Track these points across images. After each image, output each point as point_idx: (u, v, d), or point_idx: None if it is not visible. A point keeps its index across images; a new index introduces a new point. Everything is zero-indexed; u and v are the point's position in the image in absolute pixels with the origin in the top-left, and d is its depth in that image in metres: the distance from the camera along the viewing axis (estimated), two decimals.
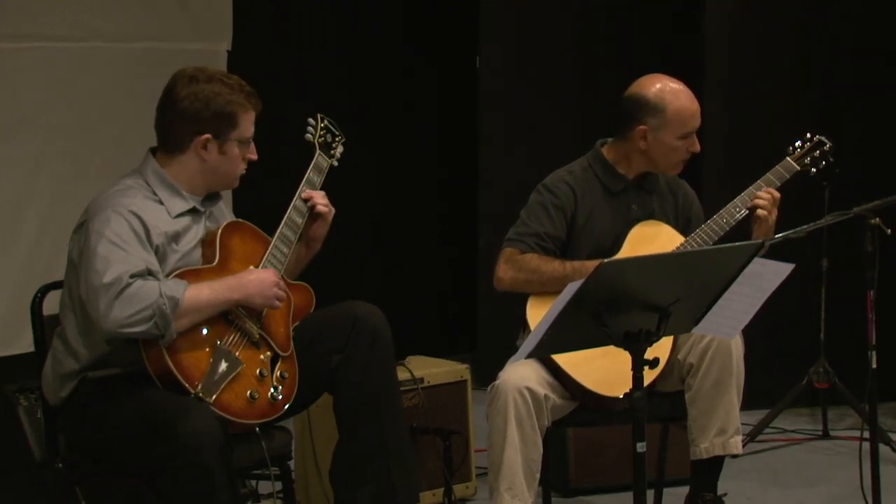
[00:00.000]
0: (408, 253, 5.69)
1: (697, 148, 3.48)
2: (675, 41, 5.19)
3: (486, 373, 3.66)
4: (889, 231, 3.44)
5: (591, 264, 3.23)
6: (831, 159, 3.57)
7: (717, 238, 3.43)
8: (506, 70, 5.40)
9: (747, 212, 3.45)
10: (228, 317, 2.96)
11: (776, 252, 3.39)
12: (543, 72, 5.39)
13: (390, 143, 5.57)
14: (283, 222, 3.11)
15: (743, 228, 3.44)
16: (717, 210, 3.46)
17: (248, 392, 2.92)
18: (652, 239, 3.47)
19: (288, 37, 5.17)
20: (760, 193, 3.45)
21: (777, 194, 3.45)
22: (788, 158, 3.54)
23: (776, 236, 3.30)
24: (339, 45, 5.41)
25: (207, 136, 2.98)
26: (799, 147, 3.57)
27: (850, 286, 4.01)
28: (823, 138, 3.58)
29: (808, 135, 3.59)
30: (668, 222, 3.53)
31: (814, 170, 3.56)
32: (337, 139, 3.29)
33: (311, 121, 3.27)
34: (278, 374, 3.01)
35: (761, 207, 3.42)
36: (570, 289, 2.58)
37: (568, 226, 3.47)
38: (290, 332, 3.09)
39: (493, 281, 3.47)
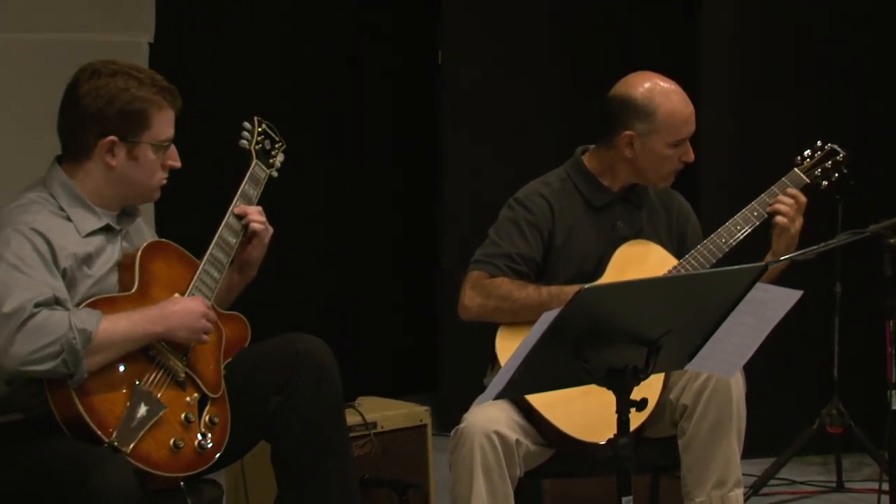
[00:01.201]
0: (358, 277, 5.68)
1: (691, 157, 3.50)
2: (669, 34, 5.22)
3: (450, 416, 3.66)
4: None
5: (571, 290, 3.23)
6: (845, 170, 3.60)
7: (715, 260, 3.45)
8: (473, 66, 5.42)
9: (750, 230, 3.47)
10: (149, 353, 2.94)
11: (782, 276, 3.43)
12: (517, 68, 5.40)
13: (338, 150, 5.56)
14: (213, 243, 3.10)
15: (748, 249, 3.46)
16: (715, 228, 3.48)
17: (172, 440, 2.90)
18: (640, 261, 3.48)
19: (220, 27, 5.16)
20: (781, 197, 3.47)
21: (802, 198, 3.48)
22: (796, 170, 3.57)
23: (781, 258, 3.33)
24: (281, 38, 5.40)
25: (112, 137, 2.97)
26: (808, 156, 3.60)
27: (868, 316, 4.04)
28: (836, 147, 3.61)
29: (819, 142, 3.62)
30: (659, 241, 3.55)
31: (825, 182, 3.59)
32: (277, 146, 3.29)
33: (246, 125, 3.26)
34: (207, 418, 2.99)
35: (782, 213, 3.45)
36: (546, 318, 2.58)
37: (544, 246, 3.48)
38: (220, 370, 3.07)
39: (458, 309, 3.48)
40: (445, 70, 5.44)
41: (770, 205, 3.47)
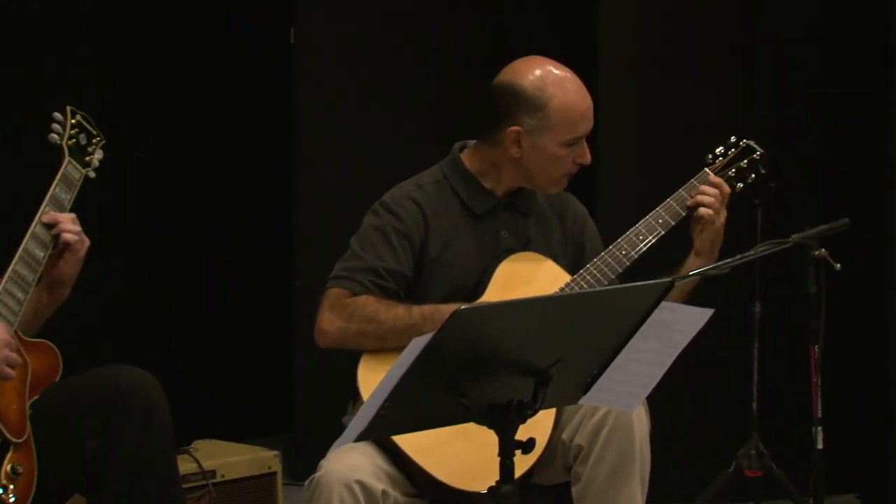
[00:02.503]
0: (194, 296, 5.62)
1: (587, 159, 3.53)
2: (562, 11, 5.26)
3: (304, 462, 3.65)
4: (838, 266, 3.55)
5: (446, 310, 3.23)
6: (763, 171, 3.67)
7: (614, 276, 3.50)
8: (331, 45, 5.40)
9: (654, 240, 3.52)
10: None
11: (693, 293, 3.48)
12: (385, 48, 5.40)
13: (167, 144, 5.50)
14: (16, 257, 3.06)
15: (653, 262, 3.50)
16: (614, 238, 3.52)
17: None
18: (528, 277, 3.51)
19: None
20: (703, 188, 3.54)
21: (727, 187, 3.56)
22: (707, 170, 3.63)
23: (690, 274, 3.37)
24: (93, 10, 5.32)
25: None
26: (721, 155, 3.67)
27: (791, 340, 4.12)
28: (753, 143, 3.68)
29: (734, 138, 3.69)
30: (550, 254, 3.58)
31: (740, 185, 3.66)
32: (94, 141, 3.26)
33: (57, 115, 3.22)
34: (8, 468, 2.95)
35: (706, 205, 3.51)
36: (417, 344, 2.58)
37: (416, 259, 3.50)
38: (25, 409, 3.04)
39: (315, 334, 3.47)
40: (298, 52, 5.42)
41: (686, 201, 3.53)
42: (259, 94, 5.78)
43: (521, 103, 3.46)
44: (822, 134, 5.21)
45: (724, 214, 3.54)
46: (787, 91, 5.16)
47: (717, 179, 3.57)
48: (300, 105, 5.41)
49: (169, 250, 5.51)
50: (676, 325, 2.82)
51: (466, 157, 3.58)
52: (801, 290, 3.66)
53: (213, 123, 5.67)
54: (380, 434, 3.09)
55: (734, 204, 3.59)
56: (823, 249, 3.53)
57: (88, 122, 3.26)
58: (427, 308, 3.41)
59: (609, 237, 3.58)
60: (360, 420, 2.68)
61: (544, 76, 3.47)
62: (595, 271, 3.49)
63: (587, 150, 3.52)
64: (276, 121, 5.60)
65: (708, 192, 3.54)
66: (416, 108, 5.39)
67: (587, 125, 3.50)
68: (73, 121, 3.23)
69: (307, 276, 5.17)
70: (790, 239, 3.49)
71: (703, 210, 3.52)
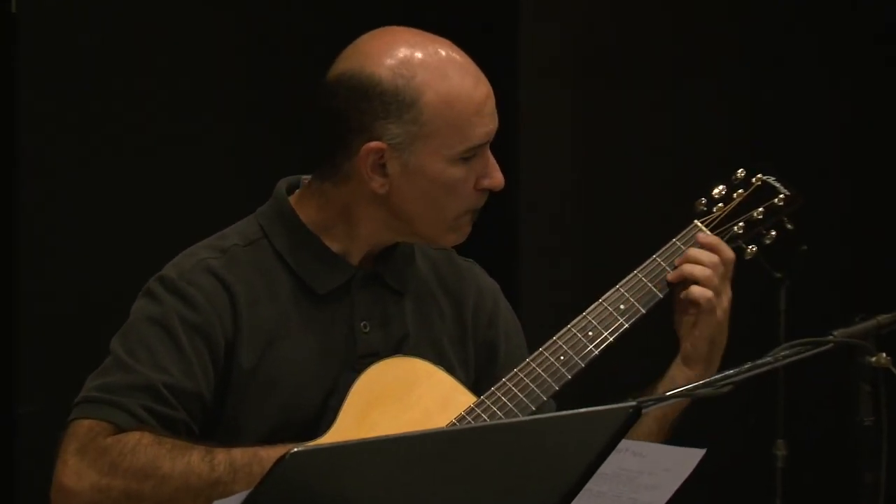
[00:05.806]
0: None
1: (498, 179, 3.54)
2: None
3: None
4: None
5: (270, 455, 3.28)
6: (790, 226, 3.69)
7: (546, 398, 3.51)
8: (76, 21, 5.41)
9: (613, 339, 3.54)
10: None
11: (678, 423, 3.50)
12: (167, 26, 5.43)
13: None
14: None
15: (613, 377, 3.51)
16: (544, 334, 3.52)
17: None
18: (405, 398, 3.53)
19: None
20: (692, 252, 3.56)
21: (729, 252, 3.57)
22: (699, 223, 3.65)
23: (668, 394, 3.34)
24: None
25: None
26: (720, 197, 3.69)
27: (832, 498, 4.14)
28: (773, 180, 3.70)
29: (741, 172, 3.71)
30: (438, 358, 3.60)
31: (752, 248, 3.69)
32: None
33: None
34: None
35: (699, 281, 3.53)
36: None
37: (219, 369, 3.50)
38: None
39: (52, 495, 3.45)
40: (23, 30, 5.42)
41: (665, 273, 3.57)
42: None
43: (377, 103, 3.47)
44: (879, 172, 5.30)
45: (727, 296, 3.56)
46: (828, 105, 5.26)
47: (713, 239, 3.58)
48: (26, 116, 5.41)
49: None
50: (646, 476, 2.86)
51: (298, 203, 3.61)
52: (847, 419, 3.68)
53: None
54: None
55: (744, 279, 3.61)
56: (885, 354, 3.53)
57: None
58: (239, 453, 3.42)
59: (536, 333, 3.57)
60: None
61: (410, 55, 3.50)
62: (516, 389, 3.49)
63: (495, 165, 3.54)
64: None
65: (701, 261, 3.55)
66: (215, 123, 5.41)
67: (488, 125, 3.51)
68: None
69: (40, 397, 5.15)
70: (832, 336, 3.49)
71: (695, 290, 3.54)
